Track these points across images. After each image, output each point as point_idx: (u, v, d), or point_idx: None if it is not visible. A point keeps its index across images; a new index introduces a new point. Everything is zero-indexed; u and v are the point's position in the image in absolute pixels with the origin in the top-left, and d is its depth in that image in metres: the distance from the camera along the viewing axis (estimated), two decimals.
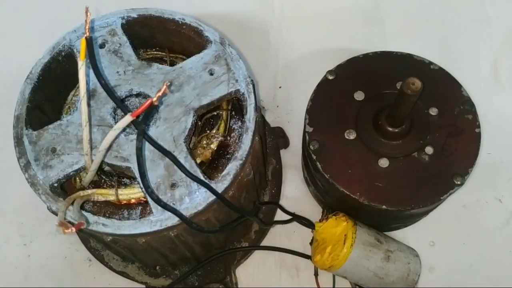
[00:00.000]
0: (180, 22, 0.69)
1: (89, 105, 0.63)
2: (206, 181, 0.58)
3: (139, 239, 0.60)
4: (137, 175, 0.55)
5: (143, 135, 0.51)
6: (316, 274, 0.81)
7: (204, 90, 0.64)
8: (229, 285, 0.80)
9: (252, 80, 0.65)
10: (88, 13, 0.50)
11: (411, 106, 0.67)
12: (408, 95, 0.64)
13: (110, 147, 0.59)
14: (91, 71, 0.55)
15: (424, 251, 0.81)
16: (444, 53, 0.99)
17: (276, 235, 0.87)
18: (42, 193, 0.60)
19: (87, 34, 0.50)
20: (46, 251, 0.88)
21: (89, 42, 0.50)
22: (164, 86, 0.49)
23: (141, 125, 0.51)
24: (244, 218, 0.67)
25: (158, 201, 0.55)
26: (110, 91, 0.52)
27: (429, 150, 0.73)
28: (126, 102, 0.65)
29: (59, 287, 0.85)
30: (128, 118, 0.50)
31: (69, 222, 0.56)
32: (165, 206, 0.54)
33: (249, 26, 1.07)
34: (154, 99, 0.49)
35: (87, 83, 0.66)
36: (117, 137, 0.56)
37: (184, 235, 0.62)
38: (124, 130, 0.63)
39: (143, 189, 0.55)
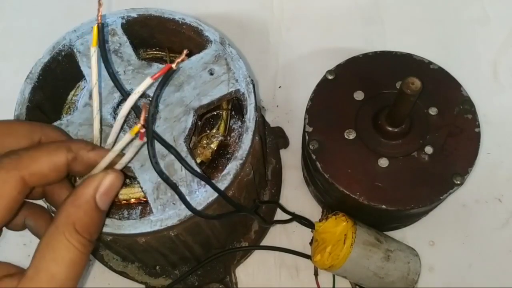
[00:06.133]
0: (180, 22, 0.69)
1: (88, 104, 0.63)
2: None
3: (139, 239, 0.59)
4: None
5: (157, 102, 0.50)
6: (316, 274, 0.81)
7: (204, 90, 0.64)
8: (229, 285, 0.80)
9: (252, 80, 0.65)
10: (101, 1, 0.51)
11: (410, 106, 0.67)
12: (408, 95, 0.64)
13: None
14: (91, 71, 0.55)
15: (424, 251, 0.81)
16: (444, 53, 0.99)
17: (276, 235, 0.87)
18: None
19: (99, 21, 0.50)
20: None
21: (101, 29, 0.51)
22: (184, 54, 0.49)
23: (156, 90, 0.50)
24: (242, 212, 0.66)
25: (161, 174, 0.54)
26: (116, 80, 0.52)
27: (428, 149, 0.73)
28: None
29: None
30: (148, 81, 0.49)
31: None
32: (167, 180, 0.54)
33: (249, 26, 1.07)
34: (174, 65, 0.48)
35: (87, 82, 0.66)
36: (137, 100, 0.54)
37: (184, 235, 0.62)
38: (124, 130, 0.63)
39: (150, 159, 0.53)
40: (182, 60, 0.49)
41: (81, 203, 0.46)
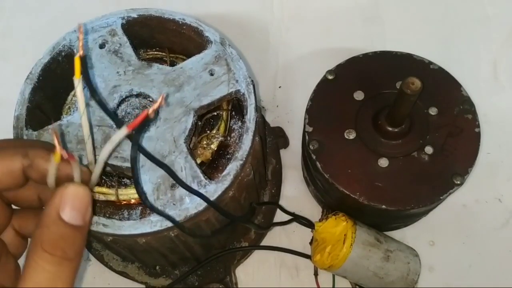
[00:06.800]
0: (180, 22, 0.69)
1: (88, 105, 0.63)
2: (204, 181, 0.59)
3: (139, 239, 0.60)
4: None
5: (137, 146, 0.50)
6: (316, 274, 0.81)
7: (205, 91, 0.64)
8: (229, 285, 0.80)
9: (252, 81, 0.65)
10: (81, 30, 0.50)
11: (410, 106, 0.67)
12: (408, 95, 0.64)
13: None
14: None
15: (424, 251, 0.81)
16: (444, 53, 0.98)
17: (276, 235, 0.87)
18: None
19: (81, 52, 0.49)
20: None
21: (83, 60, 0.49)
22: (160, 99, 0.48)
23: (135, 137, 0.50)
24: (236, 222, 0.67)
25: (152, 208, 0.55)
26: (105, 107, 0.51)
27: (428, 149, 0.73)
28: (126, 102, 0.65)
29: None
30: (124, 131, 0.49)
31: None
32: (160, 213, 0.55)
33: (249, 26, 1.07)
34: (150, 111, 0.47)
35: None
36: (114, 148, 0.55)
37: (184, 236, 0.62)
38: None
39: (138, 196, 0.54)
40: (160, 105, 0.48)
41: (47, 222, 0.45)
